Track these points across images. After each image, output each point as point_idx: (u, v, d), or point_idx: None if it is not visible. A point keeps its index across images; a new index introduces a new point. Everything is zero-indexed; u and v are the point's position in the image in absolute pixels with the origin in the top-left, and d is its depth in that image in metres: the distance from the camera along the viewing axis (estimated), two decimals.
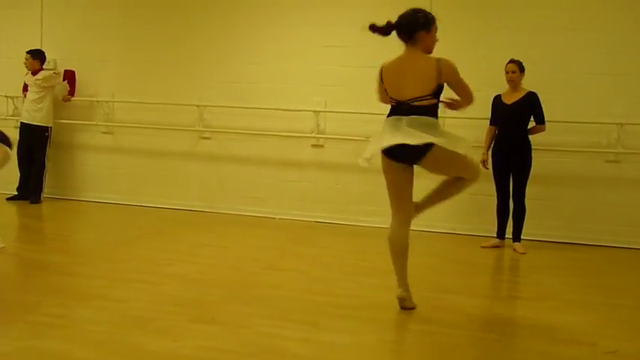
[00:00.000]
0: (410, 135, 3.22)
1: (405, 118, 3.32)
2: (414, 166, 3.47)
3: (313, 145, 6.60)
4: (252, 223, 6.31)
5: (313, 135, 6.49)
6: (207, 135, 6.90)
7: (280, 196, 6.69)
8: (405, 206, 3.50)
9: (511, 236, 5.56)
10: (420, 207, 3.61)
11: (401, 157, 3.37)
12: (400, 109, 3.37)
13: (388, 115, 3.49)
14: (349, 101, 6.32)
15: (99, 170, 7.27)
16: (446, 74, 3.33)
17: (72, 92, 7.10)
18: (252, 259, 4.71)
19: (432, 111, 3.35)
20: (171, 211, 6.82)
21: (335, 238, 5.84)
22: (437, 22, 3.47)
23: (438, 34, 3.48)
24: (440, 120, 3.48)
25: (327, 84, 6.46)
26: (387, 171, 3.50)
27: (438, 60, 3.33)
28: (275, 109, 6.53)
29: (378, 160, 3.51)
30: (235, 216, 6.63)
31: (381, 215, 6.21)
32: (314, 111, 6.44)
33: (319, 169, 6.59)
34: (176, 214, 6.66)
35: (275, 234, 5.84)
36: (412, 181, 3.50)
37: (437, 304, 3.73)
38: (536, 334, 3.29)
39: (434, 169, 3.46)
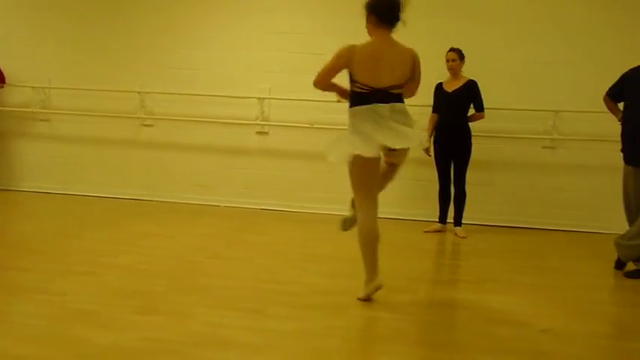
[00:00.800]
0: (400, 133, 3.28)
1: (384, 106, 3.30)
2: None
3: (258, 132, 6.58)
4: (197, 212, 6.25)
5: (258, 122, 6.47)
6: (149, 122, 6.77)
7: (225, 184, 6.65)
8: (376, 198, 3.48)
9: (452, 221, 5.73)
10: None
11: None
12: (375, 96, 3.31)
13: (356, 104, 3.38)
14: (294, 88, 6.32)
15: (36, 159, 7.03)
16: (417, 64, 3.44)
17: (1, 79, 6.80)
18: (197, 248, 4.68)
19: (402, 99, 3.44)
20: (114, 200, 6.68)
21: (281, 225, 5.85)
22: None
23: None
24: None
25: (271, 71, 6.44)
26: (366, 165, 3.35)
27: (411, 49, 3.43)
28: (219, 96, 6.46)
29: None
30: (180, 204, 6.56)
31: (326, 202, 6.30)
32: (258, 98, 6.42)
33: (264, 156, 6.59)
34: (118, 204, 6.53)
35: (220, 222, 5.80)
36: (378, 172, 3.52)
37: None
38: (476, 316, 3.41)
39: (398, 157, 3.51)
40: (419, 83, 3.51)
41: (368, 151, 3.27)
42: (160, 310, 3.24)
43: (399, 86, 3.38)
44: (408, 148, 3.43)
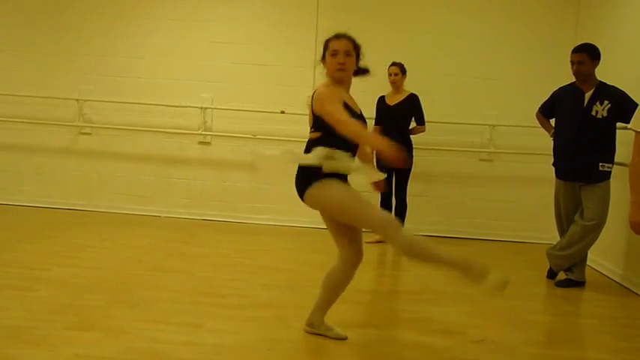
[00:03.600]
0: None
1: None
2: None
3: (200, 142, 6.53)
4: (136, 223, 6.14)
5: (200, 132, 6.42)
6: (87, 130, 6.62)
7: (166, 194, 6.57)
8: (338, 245, 3.13)
9: None
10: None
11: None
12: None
13: None
14: (237, 98, 6.34)
15: None
16: (314, 102, 2.92)
17: None
18: (136, 261, 4.60)
19: (318, 145, 2.92)
20: (48, 210, 6.48)
21: (222, 236, 5.82)
22: (338, 41, 3.02)
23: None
24: None
25: (214, 80, 6.42)
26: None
27: (318, 87, 2.98)
28: (160, 105, 6.39)
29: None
30: (118, 215, 6.42)
31: (268, 213, 6.31)
32: (201, 107, 6.38)
33: (206, 166, 6.54)
34: (53, 214, 6.34)
35: (160, 233, 5.72)
36: (329, 219, 3.08)
37: None
38: (413, 327, 3.49)
39: (324, 214, 3.09)
40: (332, 117, 2.81)
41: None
42: (95, 326, 3.17)
43: (311, 130, 2.99)
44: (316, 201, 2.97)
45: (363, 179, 3.11)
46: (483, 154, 6.32)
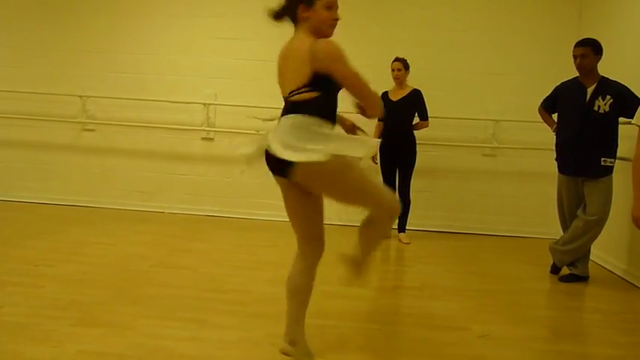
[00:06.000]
0: (272, 141, 2.47)
1: (281, 119, 2.58)
2: None
3: (203, 138, 6.53)
4: (139, 219, 6.14)
5: (203, 128, 6.42)
6: (90, 127, 6.62)
7: (169, 190, 6.57)
8: (299, 236, 2.75)
9: (397, 227, 5.83)
10: (355, 261, 2.80)
11: (273, 170, 2.61)
12: (284, 107, 2.60)
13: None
14: (240, 94, 6.33)
15: None
16: (322, 59, 2.43)
17: None
18: (139, 257, 4.61)
19: (312, 107, 2.49)
20: (52, 207, 6.49)
21: (225, 232, 5.82)
22: None
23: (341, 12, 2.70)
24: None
25: (217, 76, 6.41)
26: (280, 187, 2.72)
27: (317, 41, 2.48)
28: (164, 101, 6.39)
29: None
30: (122, 211, 6.43)
31: (272, 208, 6.31)
32: (204, 103, 6.38)
33: (209, 162, 6.54)
34: (57, 210, 6.34)
35: (164, 229, 5.72)
36: (307, 203, 2.67)
37: (324, 297, 3.83)
38: (417, 322, 3.49)
39: (321, 192, 2.66)
40: (356, 85, 2.49)
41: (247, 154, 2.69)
42: (99, 322, 3.17)
43: (299, 90, 2.50)
44: (311, 176, 2.51)
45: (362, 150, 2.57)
46: (486, 149, 6.30)
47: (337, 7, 2.64)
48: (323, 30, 2.59)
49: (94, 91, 6.50)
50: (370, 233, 2.72)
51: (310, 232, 2.73)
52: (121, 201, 6.57)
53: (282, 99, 2.63)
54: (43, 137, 6.69)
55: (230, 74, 6.41)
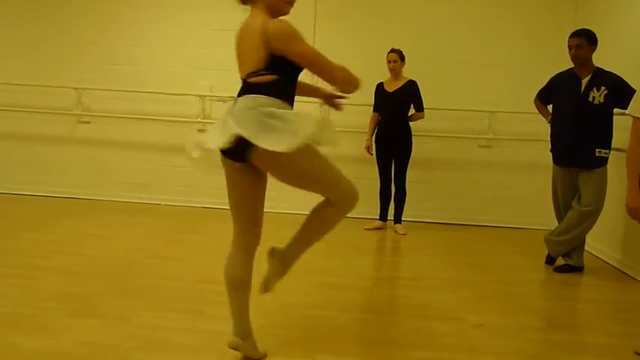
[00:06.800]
0: (234, 127, 2.35)
1: (238, 100, 2.48)
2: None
3: (199, 130, 6.50)
4: (135, 211, 6.14)
5: (199, 120, 6.41)
6: (86, 119, 6.60)
7: (165, 183, 6.57)
8: (242, 223, 2.71)
9: (393, 218, 5.84)
10: (282, 255, 2.72)
11: (229, 153, 2.48)
12: (242, 87, 2.51)
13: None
14: (236, 86, 6.24)
15: None
16: (275, 42, 2.34)
17: None
18: (135, 248, 4.61)
19: (271, 89, 2.40)
20: (47, 199, 6.49)
21: (221, 224, 5.74)
22: None
23: None
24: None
25: (213, 68, 6.39)
26: (224, 168, 2.64)
27: (267, 22, 2.37)
28: (159, 93, 6.37)
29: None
30: (117, 203, 6.43)
31: (268, 200, 6.27)
32: (199, 95, 6.36)
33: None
34: (52, 202, 6.34)
35: (159, 221, 5.72)
36: (257, 188, 2.64)
37: (321, 287, 3.86)
38: (412, 312, 3.50)
39: (276, 176, 2.55)
40: (315, 61, 2.38)
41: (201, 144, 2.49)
42: (96, 313, 3.18)
43: (257, 73, 2.41)
44: (268, 160, 2.41)
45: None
46: (482, 140, 6.31)
47: None
48: (278, 7, 2.49)
49: (89, 83, 6.48)
50: (318, 223, 2.62)
51: (254, 219, 2.67)
52: (116, 193, 6.57)
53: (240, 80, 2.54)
54: (38, 129, 6.67)
55: (225, 66, 6.28)
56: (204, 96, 6.38)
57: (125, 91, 6.43)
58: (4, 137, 6.71)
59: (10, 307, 3.21)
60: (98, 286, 3.63)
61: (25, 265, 3.99)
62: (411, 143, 5.71)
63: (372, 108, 5.79)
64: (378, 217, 5.89)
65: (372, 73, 5.75)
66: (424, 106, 5.71)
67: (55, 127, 6.65)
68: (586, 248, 4.73)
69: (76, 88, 6.47)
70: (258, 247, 2.75)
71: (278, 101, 2.40)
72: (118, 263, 4.19)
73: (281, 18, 2.44)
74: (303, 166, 2.45)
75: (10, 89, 6.55)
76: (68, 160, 6.67)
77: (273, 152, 2.27)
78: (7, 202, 6.33)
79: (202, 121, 6.40)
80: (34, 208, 6.07)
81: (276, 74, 2.41)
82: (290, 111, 2.43)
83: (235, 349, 2.71)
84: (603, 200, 4.39)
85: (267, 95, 2.39)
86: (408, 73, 5.72)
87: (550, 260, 4.78)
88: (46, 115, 6.58)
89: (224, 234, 5.31)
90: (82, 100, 6.54)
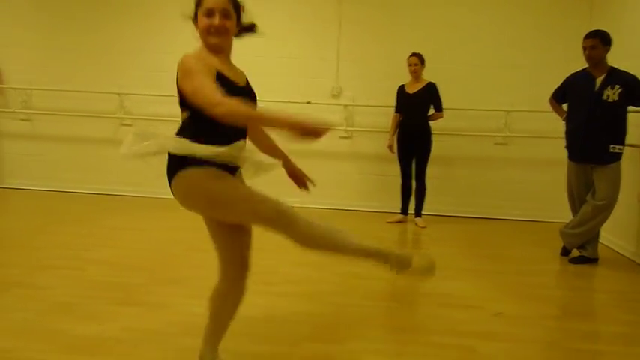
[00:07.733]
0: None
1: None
2: None
3: None
4: (173, 206, 6.17)
5: None
6: (128, 122, 6.70)
7: None
8: (222, 256, 2.49)
9: (414, 212, 5.83)
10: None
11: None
12: None
13: None
14: (261, 90, 6.30)
15: (18, 157, 6.91)
16: (178, 78, 2.13)
17: None
18: (174, 241, 4.67)
19: (187, 130, 2.19)
20: (91, 196, 6.62)
21: None
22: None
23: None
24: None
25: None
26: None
27: (181, 58, 2.12)
28: None
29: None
30: (156, 200, 6.50)
31: (298, 195, 6.32)
32: None
33: None
34: (96, 199, 6.47)
35: (196, 215, 5.75)
36: (217, 225, 2.42)
37: (348, 278, 3.87)
38: (433, 301, 3.49)
39: (203, 214, 2.44)
40: (197, 94, 2.00)
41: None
42: (140, 301, 3.24)
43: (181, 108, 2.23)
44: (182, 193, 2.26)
45: (255, 170, 2.44)
46: (499, 138, 6.25)
47: (220, 13, 2.19)
48: (208, 42, 2.23)
49: (129, 88, 6.59)
50: (302, 241, 2.20)
51: (230, 250, 2.45)
52: (156, 190, 6.64)
53: None
54: (83, 132, 6.80)
55: (253, 71, 6.39)
56: None
57: (163, 95, 6.49)
58: (54, 139, 6.85)
59: (60, 296, 3.29)
60: (141, 276, 3.70)
61: (75, 257, 4.08)
62: (431, 142, 5.69)
63: (394, 109, 5.78)
64: (399, 211, 5.87)
65: (395, 75, 5.76)
66: (443, 107, 5.68)
67: (100, 130, 6.77)
68: (600, 240, 4.66)
69: (118, 94, 6.59)
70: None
71: (187, 140, 2.12)
72: (159, 255, 4.25)
73: (192, 53, 2.17)
74: (209, 188, 2.15)
75: (58, 95, 6.69)
76: (111, 160, 6.78)
77: (177, 185, 2.16)
78: (55, 199, 6.46)
79: None
80: (80, 205, 6.19)
81: (186, 111, 2.18)
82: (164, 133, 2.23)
83: None
84: (617, 195, 4.32)
85: (179, 136, 2.18)
86: (428, 75, 5.69)
87: (565, 252, 4.72)
88: (91, 119, 6.71)
89: (255, 227, 5.40)
90: (124, 104, 6.64)
